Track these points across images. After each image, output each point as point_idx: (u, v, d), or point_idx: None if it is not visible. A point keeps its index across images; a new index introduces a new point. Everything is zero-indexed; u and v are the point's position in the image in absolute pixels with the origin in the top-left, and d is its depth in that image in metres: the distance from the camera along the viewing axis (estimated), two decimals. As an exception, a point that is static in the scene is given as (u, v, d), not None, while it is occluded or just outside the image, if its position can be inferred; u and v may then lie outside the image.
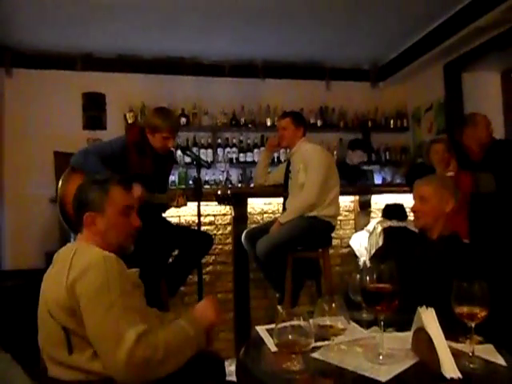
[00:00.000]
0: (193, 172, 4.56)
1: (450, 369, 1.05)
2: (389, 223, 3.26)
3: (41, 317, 1.29)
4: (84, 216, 1.36)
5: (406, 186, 3.42)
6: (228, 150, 4.94)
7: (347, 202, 3.61)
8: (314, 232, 2.88)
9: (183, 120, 4.72)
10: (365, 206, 3.62)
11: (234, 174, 4.98)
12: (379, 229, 3.24)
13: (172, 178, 4.51)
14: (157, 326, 1.31)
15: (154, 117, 2.61)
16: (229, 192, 2.74)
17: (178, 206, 2.66)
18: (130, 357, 1.12)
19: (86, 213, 1.36)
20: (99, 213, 1.36)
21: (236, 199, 3.08)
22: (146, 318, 1.27)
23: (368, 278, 1.19)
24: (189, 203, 2.71)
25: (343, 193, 3.17)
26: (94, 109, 4.74)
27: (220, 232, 3.36)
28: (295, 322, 1.13)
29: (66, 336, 1.21)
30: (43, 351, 1.28)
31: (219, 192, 2.71)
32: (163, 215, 2.77)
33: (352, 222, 3.65)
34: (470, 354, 1.14)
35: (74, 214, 1.40)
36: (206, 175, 4.77)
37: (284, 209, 3.05)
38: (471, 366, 1.12)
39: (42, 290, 1.30)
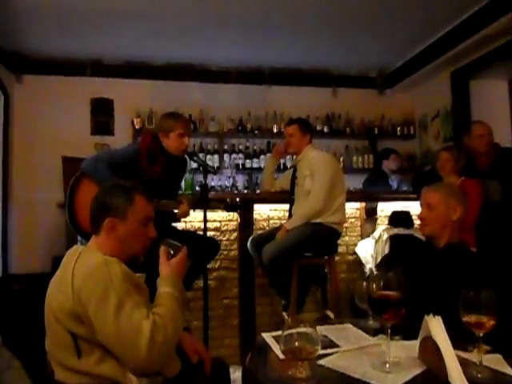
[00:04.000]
0: (199, 178, 4.56)
1: (457, 378, 1.04)
2: (395, 231, 3.25)
3: (47, 322, 1.29)
4: (105, 220, 1.36)
5: (412, 194, 3.42)
6: (234, 156, 4.96)
7: (353, 208, 3.60)
8: (320, 239, 2.88)
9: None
10: (371, 213, 3.61)
11: (240, 180, 4.99)
12: (385, 236, 3.23)
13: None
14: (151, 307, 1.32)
15: (165, 119, 2.68)
16: (238, 199, 2.75)
17: (181, 216, 2.67)
18: (151, 345, 1.16)
19: (107, 217, 1.36)
20: (121, 219, 1.36)
21: (242, 205, 3.09)
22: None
23: (375, 285, 1.19)
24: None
25: (349, 200, 3.17)
26: (102, 114, 4.79)
27: (226, 238, 3.36)
28: (302, 329, 1.13)
29: (73, 340, 1.22)
30: (50, 355, 1.29)
31: (228, 200, 2.72)
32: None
33: (358, 229, 3.64)
34: (478, 363, 1.13)
35: (93, 216, 1.40)
36: (213, 181, 4.78)
37: (290, 215, 3.05)
38: (479, 375, 1.11)
39: (48, 296, 1.30)
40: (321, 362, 1.18)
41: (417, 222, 3.32)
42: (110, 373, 1.21)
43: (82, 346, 1.22)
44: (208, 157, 4.88)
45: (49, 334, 1.29)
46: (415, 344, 1.21)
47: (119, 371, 1.22)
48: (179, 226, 3.04)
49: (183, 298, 1.36)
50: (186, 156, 2.82)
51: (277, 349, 1.24)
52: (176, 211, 2.68)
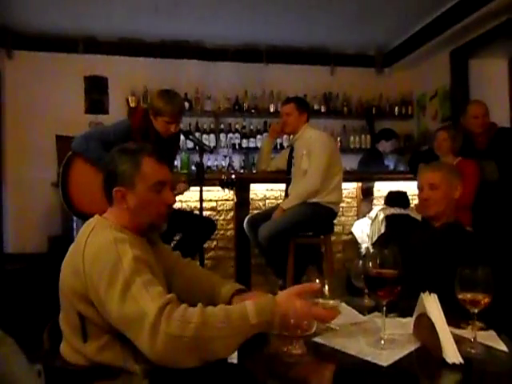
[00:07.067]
0: (195, 157, 4.54)
1: (451, 354, 1.05)
2: (391, 210, 3.26)
3: (61, 299, 1.22)
4: (113, 191, 1.24)
5: (409, 174, 3.41)
6: (231, 135, 4.92)
7: (350, 188, 3.60)
8: (317, 218, 2.88)
9: (186, 105, 4.68)
10: (367, 193, 3.61)
11: (237, 160, 4.97)
12: (381, 216, 3.23)
13: (175, 162, 4.50)
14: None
15: (157, 99, 2.56)
16: (233, 177, 2.73)
17: (178, 194, 2.66)
18: (153, 333, 0.99)
19: (115, 187, 1.24)
20: (129, 188, 1.24)
21: (238, 185, 3.08)
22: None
23: (371, 263, 1.19)
24: (191, 188, 2.70)
25: (346, 180, 3.16)
26: (96, 92, 4.67)
27: (222, 217, 3.36)
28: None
29: (81, 324, 1.15)
30: (61, 328, 1.23)
31: (223, 176, 2.71)
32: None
33: (354, 208, 3.65)
34: (472, 339, 1.14)
35: (103, 186, 1.29)
36: (209, 160, 4.76)
37: (286, 195, 3.04)
38: (473, 351, 1.12)
39: (61, 274, 1.21)
40: (316, 338, 1.19)
41: (413, 203, 3.32)
42: (112, 361, 1.15)
43: (89, 330, 1.15)
44: (204, 136, 4.83)
45: (62, 310, 1.23)
46: (410, 321, 1.21)
47: (121, 360, 1.15)
48: (175, 205, 3.03)
49: (252, 330, 1.06)
50: (182, 135, 2.79)
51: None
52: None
